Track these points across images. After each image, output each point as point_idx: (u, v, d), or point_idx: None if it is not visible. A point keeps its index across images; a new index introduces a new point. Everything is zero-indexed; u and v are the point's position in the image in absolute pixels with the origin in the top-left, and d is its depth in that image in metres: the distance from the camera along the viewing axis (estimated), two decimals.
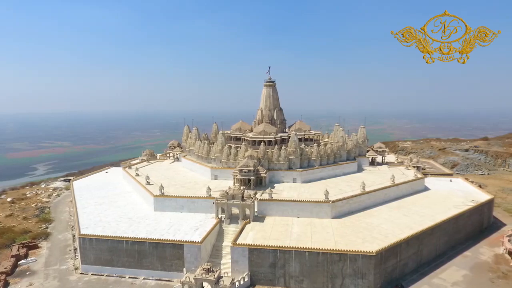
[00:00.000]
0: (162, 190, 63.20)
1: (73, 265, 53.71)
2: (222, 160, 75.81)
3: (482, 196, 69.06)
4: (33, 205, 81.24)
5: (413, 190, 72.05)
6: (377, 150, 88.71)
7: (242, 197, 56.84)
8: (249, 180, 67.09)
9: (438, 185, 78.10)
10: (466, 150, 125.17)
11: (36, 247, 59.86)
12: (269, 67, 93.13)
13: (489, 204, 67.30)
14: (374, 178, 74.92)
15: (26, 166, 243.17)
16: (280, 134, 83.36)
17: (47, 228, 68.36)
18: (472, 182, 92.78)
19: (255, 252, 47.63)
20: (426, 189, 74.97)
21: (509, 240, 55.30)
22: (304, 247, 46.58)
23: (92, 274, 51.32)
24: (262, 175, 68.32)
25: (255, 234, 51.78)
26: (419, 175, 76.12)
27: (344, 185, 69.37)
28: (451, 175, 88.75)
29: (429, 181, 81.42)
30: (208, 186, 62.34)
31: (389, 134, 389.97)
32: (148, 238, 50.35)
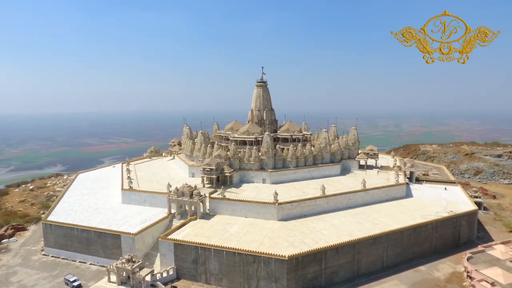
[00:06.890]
0: (130, 185, 68.01)
1: (41, 247, 60.84)
2: (199, 159, 78.45)
3: (467, 208, 61.70)
4: (45, 193, 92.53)
5: (389, 197, 67.03)
6: (368, 153, 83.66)
7: (191, 194, 58.89)
8: (217, 178, 68.74)
9: (427, 193, 71.33)
10: (499, 156, 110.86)
11: (23, 229, 68.87)
12: (263, 67, 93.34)
13: (469, 217, 59.92)
14: (352, 182, 71.31)
15: (96, 159, 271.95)
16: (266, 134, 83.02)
17: (43, 213, 77.63)
18: (478, 191, 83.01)
19: (179, 248, 49.43)
20: (407, 196, 69.11)
21: (468, 259, 49.00)
22: (222, 246, 47.08)
23: (52, 256, 57.82)
24: (226, 174, 69.38)
25: (191, 231, 53.39)
26: (401, 181, 70.27)
27: (312, 187, 67.21)
28: (454, 182, 79.89)
29: (419, 187, 74.83)
30: (169, 183, 65.32)
31: (455, 136, 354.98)
32: (93, 227, 55.11)
